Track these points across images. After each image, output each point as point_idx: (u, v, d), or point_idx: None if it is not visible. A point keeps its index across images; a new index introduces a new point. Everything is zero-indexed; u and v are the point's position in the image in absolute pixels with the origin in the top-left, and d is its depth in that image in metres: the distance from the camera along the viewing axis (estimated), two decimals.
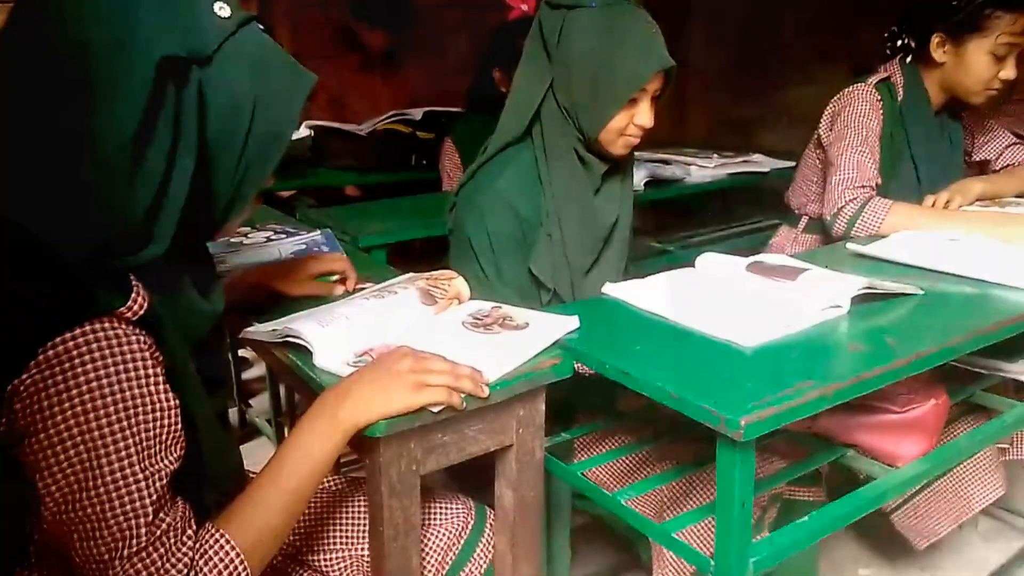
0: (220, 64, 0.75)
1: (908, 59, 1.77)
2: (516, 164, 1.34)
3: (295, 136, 2.56)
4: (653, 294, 1.18)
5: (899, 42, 1.78)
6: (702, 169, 2.34)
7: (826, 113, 1.83)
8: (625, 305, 1.17)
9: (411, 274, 1.25)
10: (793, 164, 2.10)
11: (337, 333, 1.01)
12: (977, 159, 1.91)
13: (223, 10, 0.76)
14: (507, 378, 0.93)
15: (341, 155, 2.56)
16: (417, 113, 2.61)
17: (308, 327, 1.00)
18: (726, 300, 1.15)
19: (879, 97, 1.74)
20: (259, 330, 1.06)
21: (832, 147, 1.72)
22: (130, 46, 0.69)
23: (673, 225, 2.59)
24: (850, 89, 1.77)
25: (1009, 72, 1.66)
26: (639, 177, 2.11)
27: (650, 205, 2.51)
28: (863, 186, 1.61)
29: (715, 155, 2.45)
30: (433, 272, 1.22)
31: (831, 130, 1.78)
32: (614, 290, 1.21)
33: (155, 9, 0.71)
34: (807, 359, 0.97)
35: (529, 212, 1.32)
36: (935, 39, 1.68)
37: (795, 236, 1.96)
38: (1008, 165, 1.87)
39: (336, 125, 2.61)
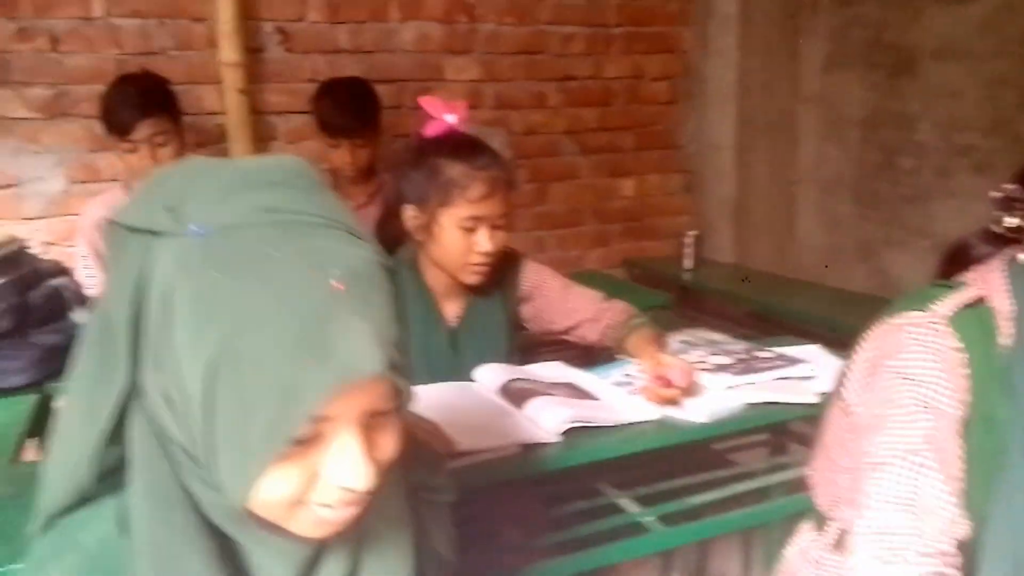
0: None
1: None
2: (74, 549, 0.61)
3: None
4: None
5: None
6: (690, 409, 1.27)
7: (860, 351, 0.93)
8: None
9: None
10: None
11: None
12: None
13: None
14: None
15: None
16: None
17: None
18: None
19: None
20: None
21: (867, 435, 0.83)
22: None
23: (644, 473, 1.51)
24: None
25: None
26: (559, 420, 1.23)
27: None
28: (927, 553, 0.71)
29: (728, 371, 1.36)
30: None
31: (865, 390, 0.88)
32: None
33: None
34: None
35: None
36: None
37: (819, 558, 1.03)
38: None
39: None
